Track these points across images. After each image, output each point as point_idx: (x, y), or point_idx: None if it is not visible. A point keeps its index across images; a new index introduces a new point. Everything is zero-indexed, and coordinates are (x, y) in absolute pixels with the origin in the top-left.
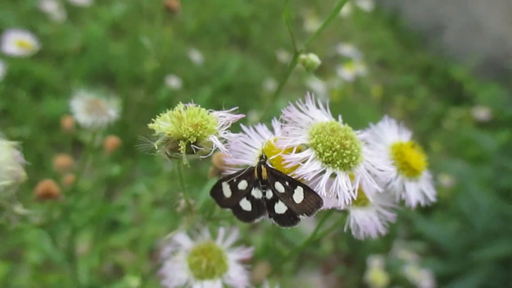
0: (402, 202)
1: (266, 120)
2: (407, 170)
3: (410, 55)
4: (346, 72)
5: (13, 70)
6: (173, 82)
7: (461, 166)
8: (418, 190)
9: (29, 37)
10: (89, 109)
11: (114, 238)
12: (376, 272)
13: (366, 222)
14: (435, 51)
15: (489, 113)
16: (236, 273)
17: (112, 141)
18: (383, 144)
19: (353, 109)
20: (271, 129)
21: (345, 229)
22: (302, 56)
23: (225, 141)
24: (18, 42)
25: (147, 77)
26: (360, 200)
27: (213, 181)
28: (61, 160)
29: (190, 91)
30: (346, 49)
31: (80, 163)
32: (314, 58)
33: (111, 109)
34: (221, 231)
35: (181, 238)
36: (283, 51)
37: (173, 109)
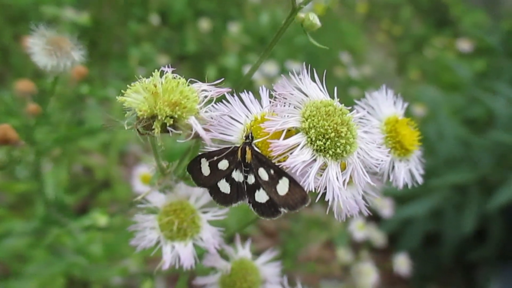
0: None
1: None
2: (399, 150)
3: None
4: None
5: None
6: None
7: (434, 93)
8: (407, 171)
9: None
10: (49, 50)
11: (85, 141)
12: None
13: (350, 204)
14: None
15: (472, 44)
16: (208, 235)
17: (79, 70)
18: (377, 120)
19: (336, 24)
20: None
21: (327, 211)
22: (301, 15)
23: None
24: None
25: None
26: None
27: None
28: (23, 85)
29: None
30: None
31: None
32: (314, 19)
33: (75, 50)
34: (196, 190)
35: (153, 196)
36: None
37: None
